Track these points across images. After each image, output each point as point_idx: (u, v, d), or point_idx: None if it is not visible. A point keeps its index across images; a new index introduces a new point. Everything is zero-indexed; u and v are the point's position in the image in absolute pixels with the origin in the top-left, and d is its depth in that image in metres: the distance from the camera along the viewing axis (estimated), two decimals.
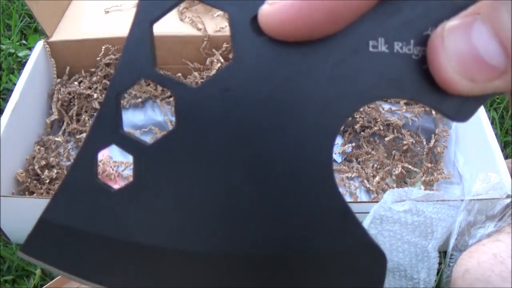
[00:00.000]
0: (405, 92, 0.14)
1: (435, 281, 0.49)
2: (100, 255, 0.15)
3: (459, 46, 0.13)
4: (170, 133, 0.15)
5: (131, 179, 0.58)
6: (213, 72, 0.66)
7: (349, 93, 0.14)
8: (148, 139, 0.65)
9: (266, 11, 0.13)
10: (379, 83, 0.14)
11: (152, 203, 0.15)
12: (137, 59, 0.14)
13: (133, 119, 0.67)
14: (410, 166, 0.61)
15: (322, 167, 0.14)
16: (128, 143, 0.15)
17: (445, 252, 0.51)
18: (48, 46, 0.66)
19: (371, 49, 0.14)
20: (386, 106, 0.65)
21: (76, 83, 0.67)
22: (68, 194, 0.15)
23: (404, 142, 0.62)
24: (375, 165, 0.61)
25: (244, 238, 0.14)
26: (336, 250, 0.15)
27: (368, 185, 0.59)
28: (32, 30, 0.86)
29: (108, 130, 0.15)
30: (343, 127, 0.63)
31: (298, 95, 0.14)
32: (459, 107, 0.14)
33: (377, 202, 0.47)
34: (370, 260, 0.15)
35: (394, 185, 0.59)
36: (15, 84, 0.60)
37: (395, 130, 0.64)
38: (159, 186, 0.15)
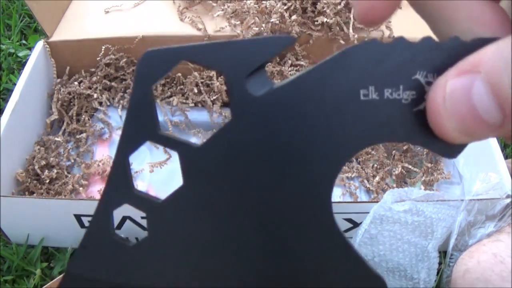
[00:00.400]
0: (397, 136, 0.15)
1: (435, 281, 0.49)
2: None
3: (460, 108, 0.13)
4: (179, 190, 0.16)
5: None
6: (213, 72, 0.66)
7: (344, 141, 0.15)
8: None
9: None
10: (372, 129, 0.15)
11: (166, 254, 0.16)
12: (141, 122, 0.15)
13: None
14: (410, 166, 0.61)
15: (323, 211, 0.15)
16: (141, 202, 0.16)
17: (445, 252, 0.51)
18: (48, 46, 0.66)
19: (362, 97, 0.14)
20: None
21: (76, 83, 0.67)
22: (90, 250, 0.16)
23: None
24: (375, 165, 0.61)
25: (254, 281, 0.16)
26: (341, 285, 0.16)
27: (368, 185, 0.59)
28: (32, 30, 0.86)
29: (121, 190, 0.16)
30: None
31: (296, 146, 0.15)
32: (450, 147, 0.15)
33: (377, 202, 0.47)
34: None
35: (394, 185, 0.59)
36: (15, 84, 0.60)
37: None
38: (171, 239, 0.16)
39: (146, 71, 0.15)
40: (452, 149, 0.15)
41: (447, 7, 0.16)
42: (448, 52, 0.14)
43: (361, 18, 0.16)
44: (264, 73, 0.15)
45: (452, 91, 0.14)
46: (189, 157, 0.15)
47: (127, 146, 0.16)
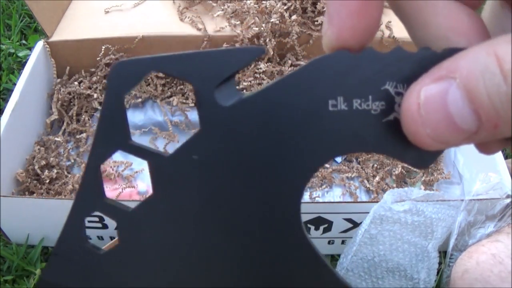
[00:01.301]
0: (367, 146, 0.15)
1: (435, 281, 0.49)
2: None
3: (435, 115, 0.13)
4: (149, 199, 0.16)
5: (131, 179, 0.57)
6: None
7: (313, 151, 0.15)
8: (148, 139, 0.65)
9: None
10: (341, 140, 0.15)
11: (136, 262, 0.16)
12: (113, 132, 0.15)
13: (133, 119, 0.67)
14: (410, 166, 0.61)
15: (292, 220, 0.15)
16: (111, 210, 0.16)
17: (445, 252, 0.51)
18: (48, 46, 0.66)
19: (330, 108, 0.14)
20: None
21: (76, 83, 0.67)
22: (62, 257, 0.17)
23: None
24: (375, 165, 0.61)
25: (223, 284, 0.16)
26: None
27: (368, 185, 0.59)
28: (32, 30, 0.86)
29: (92, 198, 0.16)
30: None
31: (264, 157, 0.15)
32: (421, 156, 0.15)
33: (377, 202, 0.47)
34: None
35: (394, 185, 0.59)
36: (15, 84, 0.60)
37: None
38: (141, 248, 0.16)
39: (117, 82, 0.15)
40: (424, 159, 0.15)
41: (424, 12, 0.16)
42: (418, 62, 0.14)
43: (337, 40, 0.15)
44: (233, 83, 0.15)
45: (427, 98, 0.13)
46: (159, 167, 0.15)
47: (99, 155, 0.16)
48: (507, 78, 0.12)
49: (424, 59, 0.14)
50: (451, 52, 0.14)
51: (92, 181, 0.16)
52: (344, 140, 0.15)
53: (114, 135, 0.15)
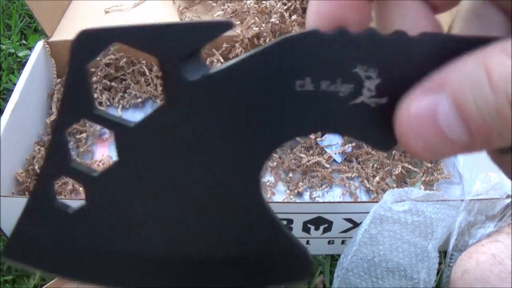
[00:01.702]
0: (332, 128, 0.15)
1: (435, 281, 0.49)
2: (65, 258, 0.18)
3: (426, 129, 0.13)
4: (113, 165, 0.16)
5: None
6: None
7: (276, 128, 0.15)
8: None
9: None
10: (305, 119, 0.15)
11: (101, 224, 0.17)
12: (77, 101, 0.15)
13: (133, 119, 0.67)
14: (410, 166, 0.61)
15: (252, 187, 0.16)
16: (77, 174, 0.17)
17: (445, 252, 0.51)
18: (48, 46, 0.66)
19: (297, 88, 0.14)
20: None
21: None
22: (33, 217, 0.18)
23: None
24: (375, 165, 0.61)
25: (187, 246, 0.17)
26: (265, 252, 0.17)
27: (368, 185, 0.59)
28: (32, 30, 0.86)
29: (59, 163, 0.17)
30: None
31: (227, 130, 0.15)
32: (384, 139, 0.15)
33: (377, 202, 0.47)
34: (295, 258, 0.17)
35: (394, 185, 0.59)
36: (15, 84, 0.60)
37: None
38: (106, 210, 0.17)
39: (80, 51, 0.15)
40: (387, 143, 0.15)
41: (389, 12, 0.16)
42: (393, 47, 0.14)
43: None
44: (199, 58, 0.15)
45: (418, 111, 0.13)
46: (124, 136, 0.16)
47: (64, 122, 0.16)
48: (495, 90, 0.12)
49: (399, 45, 0.14)
50: (427, 37, 0.13)
51: (59, 147, 0.16)
52: (308, 120, 0.15)
53: (78, 104, 0.15)
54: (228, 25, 0.14)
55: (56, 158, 0.17)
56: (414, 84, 0.13)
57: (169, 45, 0.14)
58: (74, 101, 0.16)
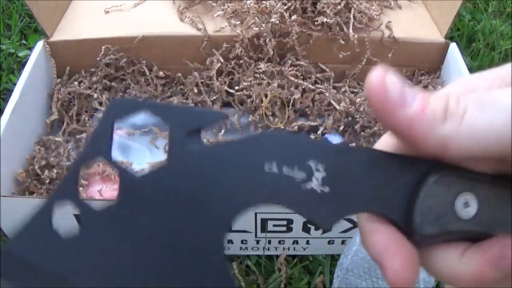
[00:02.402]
0: (287, 204, 0.18)
1: (435, 281, 0.49)
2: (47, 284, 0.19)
3: None
4: (114, 204, 0.19)
5: None
6: (213, 72, 0.67)
7: (244, 197, 0.18)
8: (148, 139, 0.65)
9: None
10: (268, 194, 0.18)
11: (91, 256, 0.19)
12: (99, 147, 0.19)
13: (133, 119, 0.67)
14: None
15: (214, 251, 0.18)
16: (81, 205, 0.19)
17: None
18: (48, 46, 0.66)
19: (265, 169, 0.18)
20: None
21: (76, 83, 0.67)
22: (30, 234, 0.20)
23: None
24: None
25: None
26: None
27: None
28: (32, 30, 0.86)
29: (68, 192, 0.19)
30: (343, 126, 0.63)
31: (204, 197, 0.18)
32: (326, 219, 0.18)
33: None
34: None
35: None
36: (15, 84, 0.60)
37: None
38: (99, 243, 0.19)
39: (112, 113, 0.19)
40: (327, 223, 0.18)
41: (367, 232, 0.19)
42: (336, 151, 0.18)
43: None
44: (199, 135, 0.19)
45: None
46: (127, 182, 0.19)
47: (83, 161, 0.19)
48: None
49: (341, 150, 0.18)
50: (362, 148, 0.19)
51: (73, 179, 0.19)
52: (271, 194, 0.18)
53: (99, 150, 0.19)
54: (223, 117, 0.19)
55: (67, 187, 0.19)
56: (351, 180, 0.18)
57: (179, 121, 0.19)
58: (97, 147, 0.19)
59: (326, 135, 0.63)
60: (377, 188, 0.18)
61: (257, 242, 0.54)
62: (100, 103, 0.68)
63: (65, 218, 0.20)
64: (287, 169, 0.18)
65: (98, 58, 0.67)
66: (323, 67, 0.69)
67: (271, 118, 0.65)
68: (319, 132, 0.63)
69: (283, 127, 0.64)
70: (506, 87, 0.16)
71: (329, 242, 0.54)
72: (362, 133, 0.63)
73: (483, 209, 0.17)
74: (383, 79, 0.16)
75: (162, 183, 0.19)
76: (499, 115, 0.15)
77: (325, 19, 0.63)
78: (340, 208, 0.18)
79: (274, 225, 0.51)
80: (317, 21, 0.64)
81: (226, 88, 0.67)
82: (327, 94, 0.65)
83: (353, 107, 0.64)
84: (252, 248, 0.55)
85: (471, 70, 0.75)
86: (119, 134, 0.66)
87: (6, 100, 0.61)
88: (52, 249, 0.19)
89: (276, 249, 0.56)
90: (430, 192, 0.18)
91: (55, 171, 0.59)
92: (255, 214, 0.49)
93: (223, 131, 0.66)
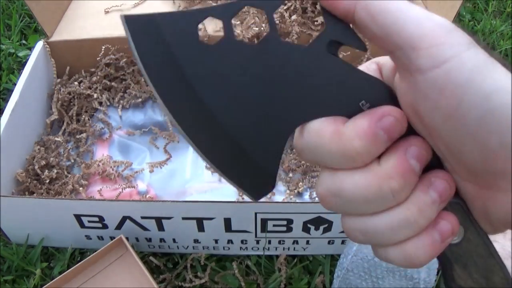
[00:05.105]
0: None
1: (435, 280, 0.49)
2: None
3: None
4: (253, 45, 0.20)
5: (131, 179, 0.57)
6: None
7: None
8: (148, 139, 0.65)
9: None
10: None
11: (218, 70, 0.21)
12: None
13: (133, 119, 0.67)
14: None
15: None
16: (228, 28, 0.21)
17: None
18: (48, 46, 0.66)
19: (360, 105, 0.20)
20: None
21: (76, 83, 0.67)
22: (174, 22, 0.20)
23: None
24: None
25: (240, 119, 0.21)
26: (253, 158, 0.21)
27: None
28: (32, 30, 0.86)
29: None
30: None
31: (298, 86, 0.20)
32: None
33: None
34: (264, 177, 0.22)
35: None
36: (15, 84, 0.60)
37: None
38: (225, 62, 0.21)
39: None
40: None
41: None
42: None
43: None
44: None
45: None
46: (270, 43, 0.21)
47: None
48: None
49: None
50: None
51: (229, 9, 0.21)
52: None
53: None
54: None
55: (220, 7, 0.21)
56: None
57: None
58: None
59: None
60: None
61: (257, 242, 0.54)
62: (100, 103, 0.68)
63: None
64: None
65: (98, 58, 0.67)
66: None
67: None
68: None
69: None
70: None
71: (329, 242, 0.54)
72: None
73: None
74: None
75: (287, 61, 0.20)
76: (411, 7, 0.17)
77: None
78: None
79: (274, 225, 0.51)
80: (317, 21, 0.64)
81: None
82: None
83: None
84: (252, 248, 0.55)
85: None
86: (119, 134, 0.66)
87: (6, 100, 0.61)
88: (188, 44, 0.20)
89: (276, 249, 0.56)
90: None
91: (55, 171, 0.59)
92: (255, 214, 0.49)
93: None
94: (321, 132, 0.19)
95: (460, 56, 0.16)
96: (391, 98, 0.19)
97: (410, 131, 0.19)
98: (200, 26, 0.66)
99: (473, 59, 0.16)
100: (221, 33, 0.72)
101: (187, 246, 0.55)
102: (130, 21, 0.20)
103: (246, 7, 0.67)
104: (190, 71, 0.20)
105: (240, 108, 0.21)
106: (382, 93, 0.20)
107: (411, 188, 0.19)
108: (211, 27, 0.66)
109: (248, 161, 0.21)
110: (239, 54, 0.20)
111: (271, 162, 0.21)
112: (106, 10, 0.70)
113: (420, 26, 0.17)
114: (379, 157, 0.19)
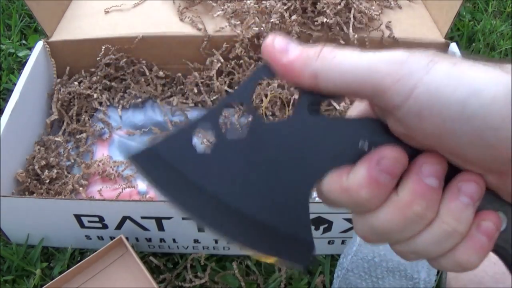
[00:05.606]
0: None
1: (435, 280, 0.49)
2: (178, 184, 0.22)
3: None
4: (243, 138, 0.22)
5: (131, 179, 0.57)
6: (213, 72, 0.67)
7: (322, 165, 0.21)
8: (148, 139, 0.65)
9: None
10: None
11: (218, 168, 0.22)
12: (244, 95, 0.22)
13: (133, 119, 0.67)
14: None
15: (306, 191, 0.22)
16: (217, 131, 0.22)
17: None
18: (48, 46, 0.66)
19: (359, 146, 0.21)
20: None
21: (76, 83, 0.67)
22: (173, 141, 0.22)
23: None
24: None
25: (248, 202, 0.22)
26: (284, 230, 0.22)
27: None
28: (32, 30, 0.86)
29: (212, 120, 0.22)
30: None
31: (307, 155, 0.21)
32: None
33: None
34: (303, 247, 0.22)
35: None
36: (15, 84, 0.60)
37: None
38: (225, 162, 0.22)
39: (259, 73, 0.22)
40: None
41: None
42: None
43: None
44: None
45: None
46: (256, 127, 0.22)
47: (228, 100, 0.23)
48: None
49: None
50: None
51: (218, 111, 0.22)
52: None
53: (243, 97, 0.22)
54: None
55: (212, 114, 0.22)
56: None
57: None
58: (241, 95, 0.22)
59: None
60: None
61: None
62: (100, 103, 0.68)
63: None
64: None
65: (98, 58, 0.67)
66: None
67: (271, 118, 0.65)
68: None
69: None
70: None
71: (329, 242, 0.54)
72: None
73: None
74: (273, 38, 0.20)
75: (278, 138, 0.21)
76: (362, 58, 0.19)
77: (325, 19, 0.63)
78: None
79: None
80: (317, 21, 0.64)
81: (226, 88, 0.67)
82: None
83: None
84: None
85: None
86: (119, 134, 0.66)
87: (6, 100, 0.61)
88: (189, 158, 0.22)
89: None
90: None
91: (55, 171, 0.59)
92: None
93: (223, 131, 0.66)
94: (331, 192, 0.20)
95: (422, 81, 0.17)
96: (385, 130, 0.20)
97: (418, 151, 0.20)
98: (200, 26, 0.66)
99: (436, 77, 0.17)
100: (221, 33, 0.72)
101: (187, 246, 0.55)
102: (133, 158, 0.22)
103: (246, 7, 0.67)
104: (199, 179, 0.22)
105: (255, 194, 0.22)
106: (374, 128, 0.21)
107: (437, 203, 0.19)
108: (211, 27, 0.66)
109: (283, 237, 0.22)
110: (234, 151, 0.22)
111: (303, 229, 0.22)
112: (106, 10, 0.70)
113: (377, 71, 0.18)
114: (397, 185, 0.20)
